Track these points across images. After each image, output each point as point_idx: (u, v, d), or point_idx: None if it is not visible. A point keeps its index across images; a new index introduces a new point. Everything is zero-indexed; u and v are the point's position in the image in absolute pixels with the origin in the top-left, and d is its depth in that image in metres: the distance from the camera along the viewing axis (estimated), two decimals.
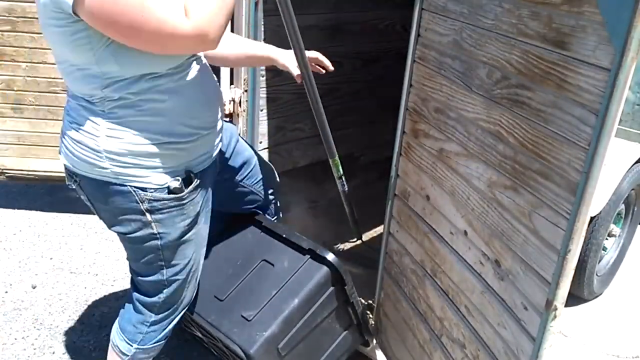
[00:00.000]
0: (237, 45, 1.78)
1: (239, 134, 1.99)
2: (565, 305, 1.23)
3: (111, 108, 1.37)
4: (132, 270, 1.68)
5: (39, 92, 2.88)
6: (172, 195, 1.46)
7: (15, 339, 2.28)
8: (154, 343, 1.72)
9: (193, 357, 2.26)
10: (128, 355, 1.71)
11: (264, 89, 2.52)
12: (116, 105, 1.37)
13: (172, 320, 1.72)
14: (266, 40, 2.44)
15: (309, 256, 1.78)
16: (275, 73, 2.65)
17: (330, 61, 1.92)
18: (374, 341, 2.12)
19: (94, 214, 1.59)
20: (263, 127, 2.57)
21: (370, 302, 2.19)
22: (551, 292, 1.20)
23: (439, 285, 1.68)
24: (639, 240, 3.01)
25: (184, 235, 1.54)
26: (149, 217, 1.47)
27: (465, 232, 1.52)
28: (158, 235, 1.51)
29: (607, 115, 1.04)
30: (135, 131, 1.39)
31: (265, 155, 2.70)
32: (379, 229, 2.78)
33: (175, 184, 1.46)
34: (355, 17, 2.99)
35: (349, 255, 2.77)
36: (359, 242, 2.34)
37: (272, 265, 1.81)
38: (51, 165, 3.01)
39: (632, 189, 2.68)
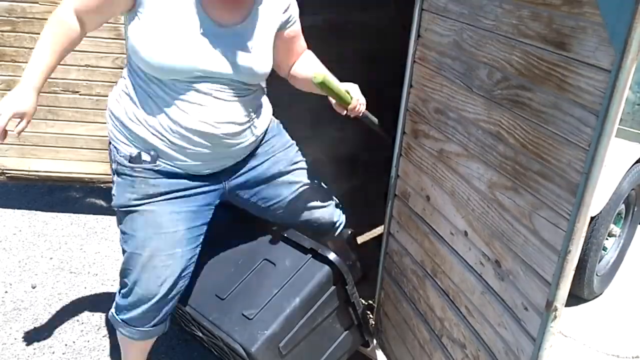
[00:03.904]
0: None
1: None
2: (565, 305, 1.23)
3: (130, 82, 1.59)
4: None
5: None
6: (129, 164, 1.61)
7: (15, 339, 2.28)
8: (130, 325, 1.70)
9: (193, 357, 2.26)
10: (111, 320, 1.76)
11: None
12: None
13: (139, 308, 1.67)
14: None
15: (310, 255, 1.78)
16: (275, 73, 2.65)
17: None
18: (374, 341, 2.12)
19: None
20: None
21: (371, 302, 2.19)
22: (551, 293, 1.21)
23: (439, 285, 1.68)
24: (639, 240, 3.01)
25: (128, 207, 1.63)
26: (114, 176, 1.65)
27: (466, 233, 1.52)
28: (113, 194, 1.67)
29: (607, 116, 1.04)
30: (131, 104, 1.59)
31: None
32: (379, 230, 2.79)
33: (134, 153, 1.60)
34: (355, 17, 2.99)
35: None
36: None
37: (274, 264, 1.81)
38: (51, 165, 3.01)
39: (632, 189, 2.68)
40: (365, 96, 1.75)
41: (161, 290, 1.66)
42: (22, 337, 2.29)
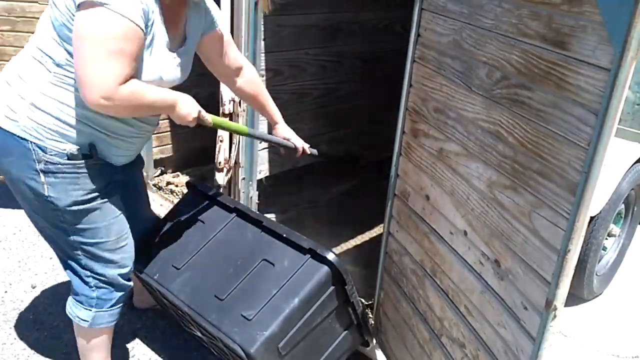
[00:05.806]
0: (260, 94, 2.05)
1: None
2: (565, 305, 1.23)
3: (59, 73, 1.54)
4: (48, 238, 1.84)
5: None
6: (68, 161, 1.59)
7: (15, 338, 2.28)
8: (112, 306, 1.85)
9: (193, 357, 2.26)
10: (88, 321, 1.84)
11: None
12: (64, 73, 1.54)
13: (119, 281, 1.83)
14: (266, 40, 2.45)
15: (309, 256, 1.78)
16: (275, 73, 2.65)
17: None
18: (374, 341, 2.12)
19: None
20: (263, 127, 2.57)
21: (370, 302, 2.19)
22: (551, 292, 1.20)
23: (438, 285, 1.68)
24: (639, 240, 3.01)
25: (79, 204, 1.65)
26: (42, 178, 1.59)
27: (465, 232, 1.52)
28: (50, 196, 1.61)
29: (607, 115, 1.04)
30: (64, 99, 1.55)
31: (264, 155, 2.70)
32: (379, 229, 2.79)
33: (74, 150, 1.58)
34: (355, 17, 3.00)
35: (348, 255, 2.77)
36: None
37: (273, 264, 1.81)
38: None
39: (632, 189, 2.68)
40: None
41: (132, 264, 1.88)
42: (22, 337, 2.29)
